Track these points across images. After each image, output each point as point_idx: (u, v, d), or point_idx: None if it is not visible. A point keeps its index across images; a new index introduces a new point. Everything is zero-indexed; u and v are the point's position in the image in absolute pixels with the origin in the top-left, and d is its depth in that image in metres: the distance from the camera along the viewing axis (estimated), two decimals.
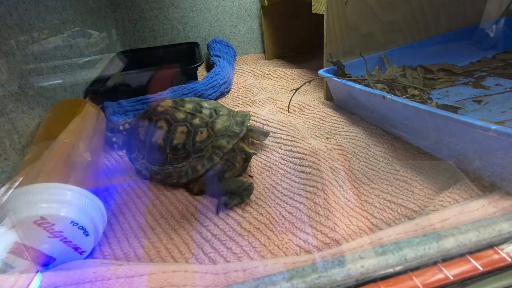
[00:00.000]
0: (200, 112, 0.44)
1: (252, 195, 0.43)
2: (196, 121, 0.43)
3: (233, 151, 0.43)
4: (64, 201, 0.33)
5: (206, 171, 0.42)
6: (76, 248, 0.34)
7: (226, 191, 0.42)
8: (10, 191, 0.34)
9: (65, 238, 0.32)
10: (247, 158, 0.46)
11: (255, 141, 0.56)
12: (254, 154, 0.51)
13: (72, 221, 0.32)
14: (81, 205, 0.34)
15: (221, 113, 0.46)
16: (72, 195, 0.34)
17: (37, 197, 0.32)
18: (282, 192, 0.44)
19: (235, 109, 0.56)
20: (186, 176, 0.42)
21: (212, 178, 0.42)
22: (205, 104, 0.47)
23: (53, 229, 0.32)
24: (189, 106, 0.45)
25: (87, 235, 0.34)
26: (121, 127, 0.45)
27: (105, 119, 0.54)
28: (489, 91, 0.58)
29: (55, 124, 0.47)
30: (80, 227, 0.33)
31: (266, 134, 0.55)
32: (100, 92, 0.73)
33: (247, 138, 0.47)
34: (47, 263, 0.32)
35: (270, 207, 0.41)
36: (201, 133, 0.42)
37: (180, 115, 0.44)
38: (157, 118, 0.44)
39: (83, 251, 0.34)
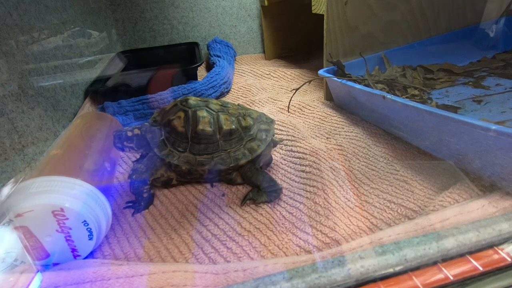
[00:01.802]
0: (227, 105, 0.46)
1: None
2: (232, 111, 0.45)
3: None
4: (85, 200, 0.34)
5: (257, 156, 0.44)
6: (73, 250, 0.34)
7: (256, 183, 0.43)
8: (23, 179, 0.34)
9: (70, 236, 0.33)
10: (274, 146, 0.50)
11: None
12: (281, 141, 0.53)
13: (84, 221, 0.33)
14: (97, 208, 0.34)
15: (245, 107, 0.48)
16: (94, 196, 0.35)
17: (63, 188, 0.33)
18: (282, 192, 0.44)
19: None
20: (245, 157, 0.43)
21: (255, 164, 0.44)
22: (224, 101, 0.49)
23: (64, 223, 0.32)
24: (216, 101, 0.47)
25: (90, 239, 0.34)
26: (129, 133, 0.44)
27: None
28: (489, 91, 0.58)
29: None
30: (88, 229, 0.33)
31: (274, 142, 0.52)
32: (100, 92, 0.73)
33: None
34: (41, 257, 0.32)
35: (270, 207, 0.41)
36: (245, 119, 0.45)
37: (216, 107, 0.45)
38: (195, 109, 0.43)
39: (79, 255, 0.34)
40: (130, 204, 0.43)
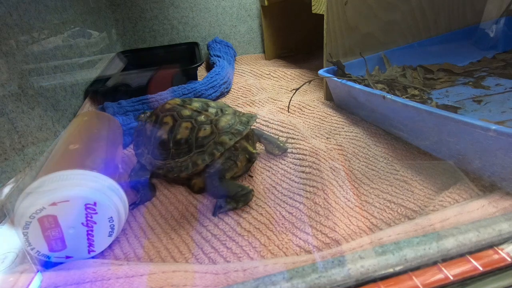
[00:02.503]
0: (206, 110, 0.45)
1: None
2: (201, 118, 0.44)
3: (235, 150, 0.44)
4: (114, 197, 0.34)
5: (207, 167, 0.43)
6: (90, 245, 0.34)
7: (224, 193, 0.42)
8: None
9: (92, 231, 0.33)
10: (251, 159, 0.46)
11: (265, 150, 0.54)
12: (258, 155, 0.51)
13: (110, 217, 0.34)
14: (121, 206, 0.35)
15: (226, 112, 0.46)
16: (119, 194, 0.36)
17: (96, 183, 0.34)
18: (282, 192, 0.44)
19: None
20: (186, 170, 0.42)
21: (213, 177, 0.42)
22: (212, 104, 0.48)
23: (91, 217, 0.33)
24: (196, 105, 0.46)
25: (110, 235, 0.34)
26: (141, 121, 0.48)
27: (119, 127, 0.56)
28: (489, 91, 0.58)
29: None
30: (112, 226, 0.34)
31: (282, 148, 0.52)
32: (100, 92, 0.73)
33: (251, 139, 0.47)
34: (57, 249, 0.33)
35: (270, 207, 0.41)
36: (205, 129, 0.43)
37: (186, 112, 0.45)
38: (164, 115, 0.45)
39: (93, 251, 0.35)
40: (133, 206, 0.44)
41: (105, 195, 0.33)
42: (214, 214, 0.41)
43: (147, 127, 0.46)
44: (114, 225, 0.34)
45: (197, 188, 0.45)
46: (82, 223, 0.33)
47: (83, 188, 0.32)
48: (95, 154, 0.42)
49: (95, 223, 0.33)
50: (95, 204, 0.32)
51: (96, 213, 0.33)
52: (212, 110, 0.46)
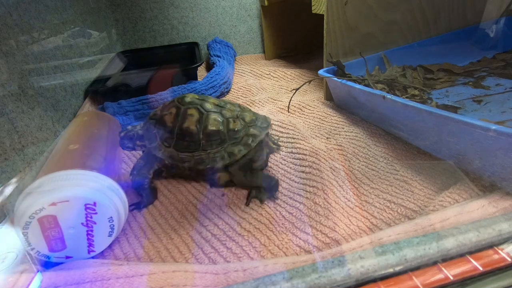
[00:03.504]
0: (225, 106, 0.46)
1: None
2: (226, 112, 0.44)
3: (261, 142, 0.45)
4: (114, 197, 0.34)
5: (243, 157, 0.43)
6: (90, 245, 0.34)
7: (255, 185, 0.43)
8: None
9: (92, 231, 0.33)
10: (270, 153, 0.49)
11: None
12: (278, 148, 0.52)
13: (110, 217, 0.33)
14: (121, 206, 0.35)
15: (244, 109, 0.47)
16: (119, 194, 0.36)
17: (96, 183, 0.34)
18: (282, 192, 0.44)
19: None
20: (223, 160, 0.42)
21: (244, 168, 0.44)
22: (226, 100, 0.49)
23: (91, 217, 0.33)
24: (214, 100, 0.46)
25: (110, 235, 0.34)
26: (140, 132, 0.46)
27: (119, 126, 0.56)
28: (489, 91, 0.58)
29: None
30: (111, 226, 0.34)
31: (276, 145, 0.54)
32: (100, 92, 0.73)
33: (269, 135, 0.48)
34: (57, 249, 0.32)
35: (270, 207, 0.41)
36: (234, 122, 0.44)
37: (210, 106, 0.45)
38: (186, 107, 0.44)
39: (93, 251, 0.35)
40: (133, 206, 0.43)
41: (105, 195, 0.33)
42: (247, 203, 0.42)
43: (167, 119, 0.44)
44: (114, 225, 0.34)
45: (223, 182, 0.45)
46: (82, 223, 0.33)
47: (82, 188, 0.32)
48: (95, 154, 0.41)
49: (95, 223, 0.33)
50: (94, 204, 0.32)
51: (96, 213, 0.33)
52: (231, 106, 0.46)
